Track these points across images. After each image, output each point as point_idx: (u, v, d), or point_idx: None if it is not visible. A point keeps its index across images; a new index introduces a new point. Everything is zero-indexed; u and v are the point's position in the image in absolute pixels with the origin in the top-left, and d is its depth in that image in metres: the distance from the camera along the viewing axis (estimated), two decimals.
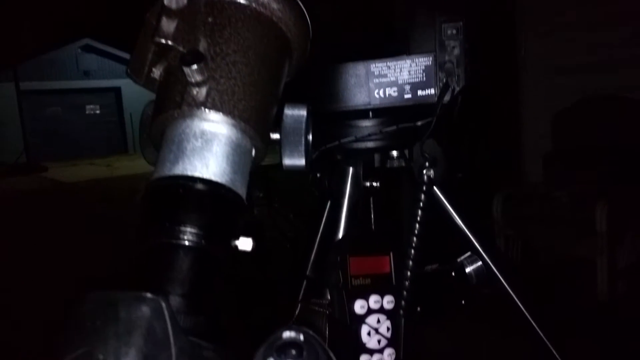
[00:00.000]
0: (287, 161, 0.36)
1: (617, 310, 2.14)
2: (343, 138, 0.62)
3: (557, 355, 0.74)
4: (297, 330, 0.26)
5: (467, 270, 0.64)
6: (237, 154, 0.32)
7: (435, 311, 0.63)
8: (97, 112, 12.01)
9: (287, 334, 0.25)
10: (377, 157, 0.65)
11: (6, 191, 7.55)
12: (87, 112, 11.84)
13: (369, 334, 0.53)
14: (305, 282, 0.62)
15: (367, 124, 0.62)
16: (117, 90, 12.15)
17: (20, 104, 9.63)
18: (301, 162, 0.36)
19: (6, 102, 10.02)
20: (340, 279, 0.51)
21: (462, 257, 0.65)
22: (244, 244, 0.31)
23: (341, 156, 0.65)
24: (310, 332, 0.26)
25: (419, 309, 0.64)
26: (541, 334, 0.75)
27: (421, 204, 0.58)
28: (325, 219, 0.64)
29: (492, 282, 0.72)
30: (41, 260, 3.52)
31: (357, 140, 0.62)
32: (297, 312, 0.59)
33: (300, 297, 0.62)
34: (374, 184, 0.63)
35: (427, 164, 0.60)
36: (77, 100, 11.61)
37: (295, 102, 0.36)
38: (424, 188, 0.59)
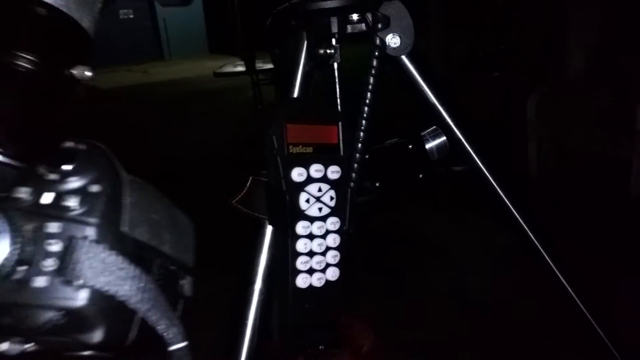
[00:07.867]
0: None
1: None
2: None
3: (533, 238, 0.72)
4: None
5: (429, 145, 0.61)
6: None
7: (393, 186, 0.60)
8: (131, 16, 11.84)
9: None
10: (336, 21, 0.59)
11: None
12: (120, 17, 11.70)
13: (307, 201, 0.51)
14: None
15: None
16: None
17: None
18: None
19: None
20: (275, 146, 0.49)
21: (426, 131, 0.62)
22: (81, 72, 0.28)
23: (295, 21, 0.59)
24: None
25: (377, 184, 0.63)
26: (518, 218, 0.72)
27: (373, 71, 0.54)
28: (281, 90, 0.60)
29: (467, 162, 0.69)
30: None
31: None
32: (248, 184, 0.58)
33: None
34: (329, 51, 0.58)
35: (379, 25, 0.55)
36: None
37: None
38: (377, 53, 0.54)
